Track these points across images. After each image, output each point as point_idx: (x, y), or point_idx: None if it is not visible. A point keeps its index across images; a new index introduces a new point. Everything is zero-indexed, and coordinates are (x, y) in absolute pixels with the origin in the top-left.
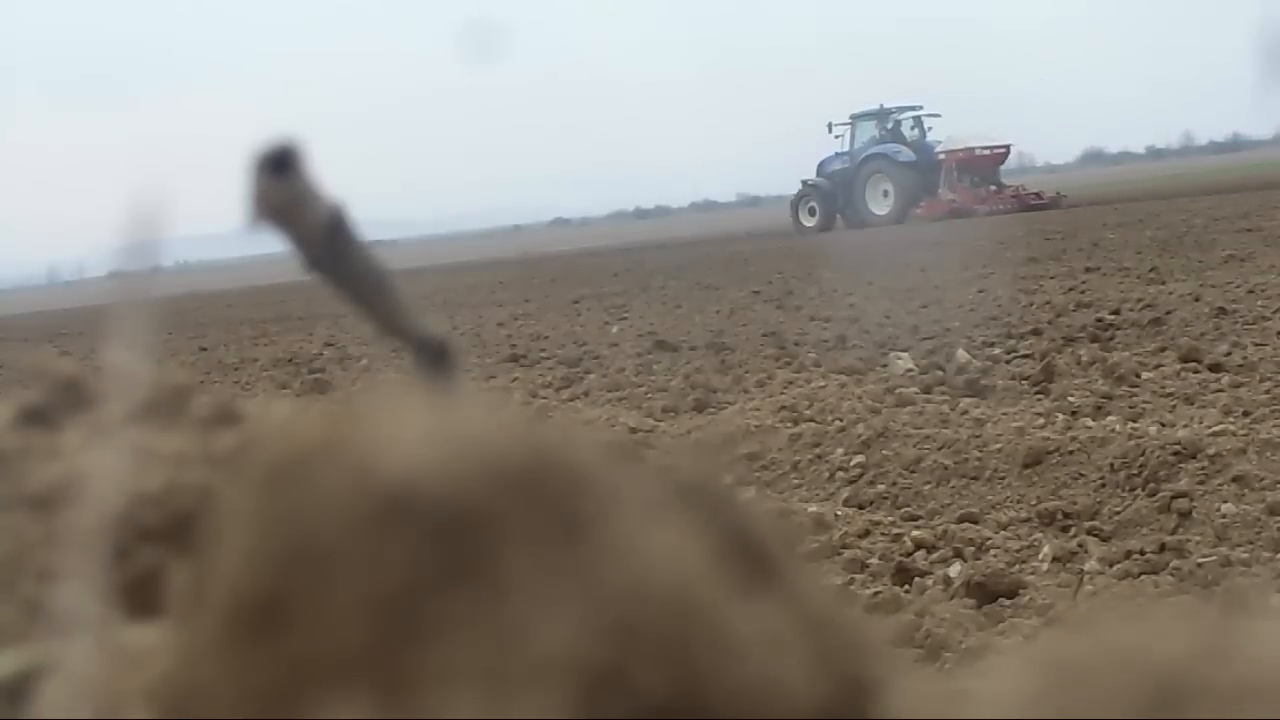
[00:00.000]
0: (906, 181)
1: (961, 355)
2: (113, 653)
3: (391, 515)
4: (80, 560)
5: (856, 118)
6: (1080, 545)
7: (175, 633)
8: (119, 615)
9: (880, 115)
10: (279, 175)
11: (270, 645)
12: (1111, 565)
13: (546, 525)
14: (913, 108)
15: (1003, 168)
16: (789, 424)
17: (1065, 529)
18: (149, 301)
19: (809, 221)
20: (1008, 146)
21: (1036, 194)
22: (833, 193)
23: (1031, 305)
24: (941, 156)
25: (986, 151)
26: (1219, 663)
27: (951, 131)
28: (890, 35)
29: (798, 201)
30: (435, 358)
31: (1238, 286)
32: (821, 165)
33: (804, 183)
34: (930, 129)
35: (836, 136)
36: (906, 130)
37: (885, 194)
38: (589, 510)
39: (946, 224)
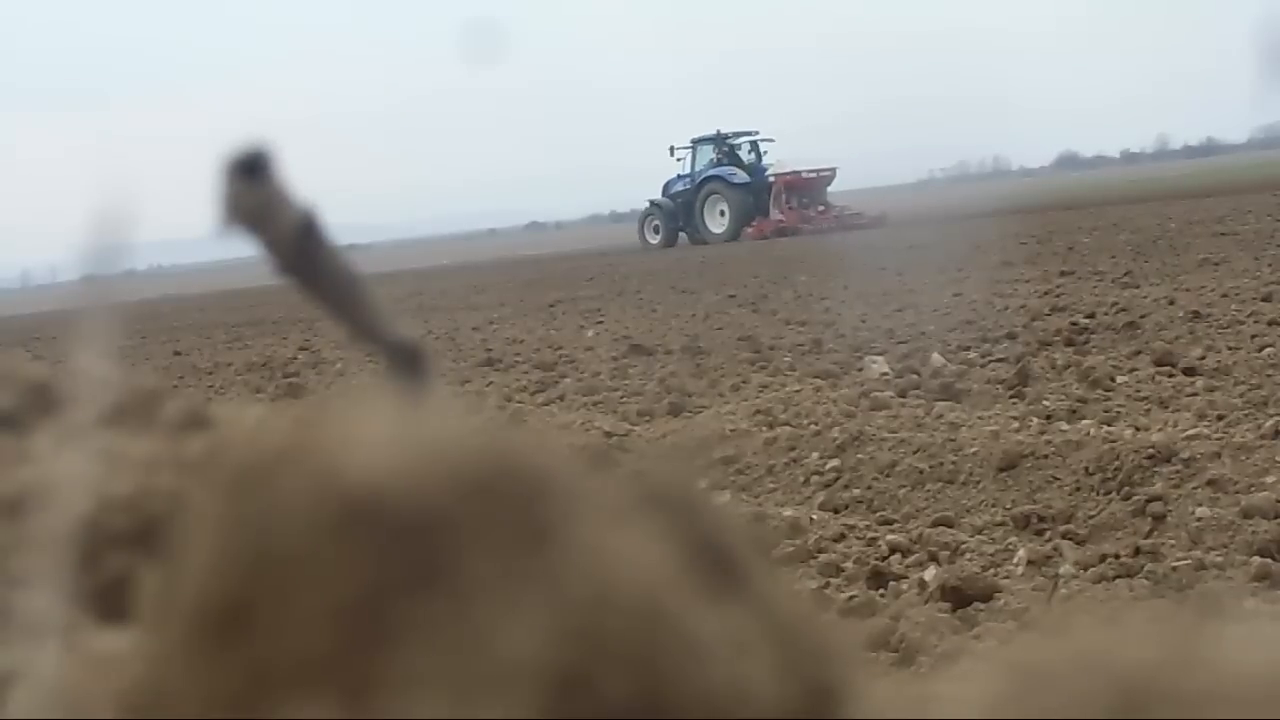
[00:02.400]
0: (740, 202)
1: (936, 359)
2: (81, 658)
3: (355, 520)
4: (48, 565)
5: (696, 142)
6: (1055, 549)
7: (143, 638)
8: (88, 620)
9: (717, 140)
10: (250, 179)
11: (236, 650)
12: (1086, 569)
13: (511, 530)
14: (748, 133)
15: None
16: (764, 428)
17: (1040, 533)
18: (117, 305)
19: (653, 239)
20: (833, 170)
21: (857, 214)
22: (675, 212)
23: (1006, 309)
24: (771, 179)
25: (813, 174)
26: (1186, 668)
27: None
28: (875, 43)
29: (643, 220)
30: (408, 362)
31: (1212, 290)
32: (666, 186)
33: (650, 202)
34: (765, 153)
35: (678, 160)
36: (744, 154)
37: (722, 213)
38: (554, 515)
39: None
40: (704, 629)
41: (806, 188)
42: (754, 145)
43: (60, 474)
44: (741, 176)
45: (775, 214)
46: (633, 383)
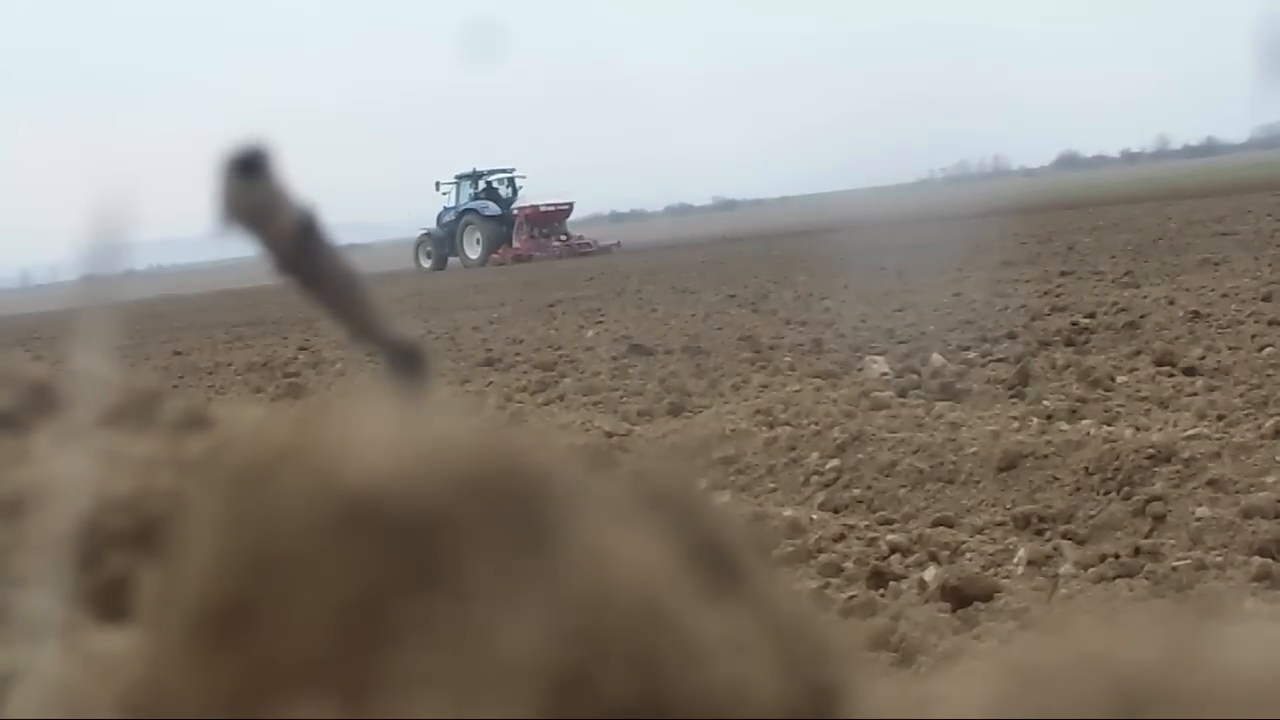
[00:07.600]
0: (491, 232)
1: (936, 359)
2: (81, 658)
3: (356, 520)
4: (48, 565)
5: (459, 178)
6: (1055, 549)
7: (143, 638)
8: (88, 620)
9: (474, 176)
10: (248, 178)
11: (236, 650)
12: (1086, 569)
13: (511, 530)
14: (505, 170)
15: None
16: (764, 428)
17: (1040, 532)
18: (116, 305)
19: (426, 263)
20: (570, 203)
21: (588, 243)
22: (443, 239)
23: (1007, 309)
24: (515, 212)
25: (550, 208)
26: (1186, 668)
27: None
28: (875, 42)
29: (417, 246)
30: (408, 362)
31: (1212, 290)
32: (439, 216)
33: (424, 231)
34: (520, 188)
35: (444, 194)
36: (503, 189)
37: (477, 241)
38: (554, 515)
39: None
40: (704, 629)
41: (545, 219)
42: (510, 181)
43: (60, 474)
44: (493, 209)
45: (516, 242)
46: (633, 383)
